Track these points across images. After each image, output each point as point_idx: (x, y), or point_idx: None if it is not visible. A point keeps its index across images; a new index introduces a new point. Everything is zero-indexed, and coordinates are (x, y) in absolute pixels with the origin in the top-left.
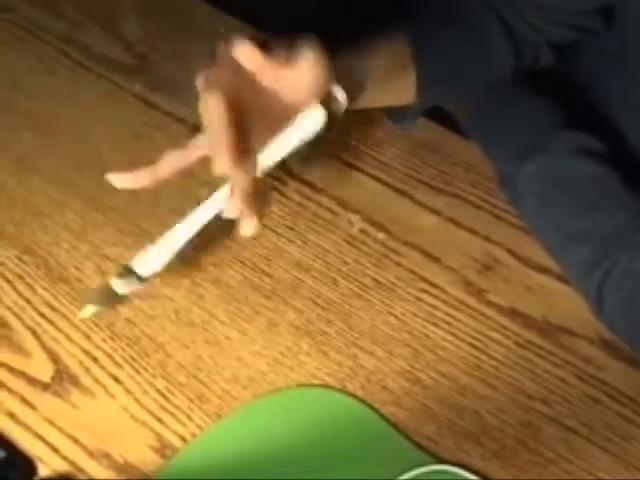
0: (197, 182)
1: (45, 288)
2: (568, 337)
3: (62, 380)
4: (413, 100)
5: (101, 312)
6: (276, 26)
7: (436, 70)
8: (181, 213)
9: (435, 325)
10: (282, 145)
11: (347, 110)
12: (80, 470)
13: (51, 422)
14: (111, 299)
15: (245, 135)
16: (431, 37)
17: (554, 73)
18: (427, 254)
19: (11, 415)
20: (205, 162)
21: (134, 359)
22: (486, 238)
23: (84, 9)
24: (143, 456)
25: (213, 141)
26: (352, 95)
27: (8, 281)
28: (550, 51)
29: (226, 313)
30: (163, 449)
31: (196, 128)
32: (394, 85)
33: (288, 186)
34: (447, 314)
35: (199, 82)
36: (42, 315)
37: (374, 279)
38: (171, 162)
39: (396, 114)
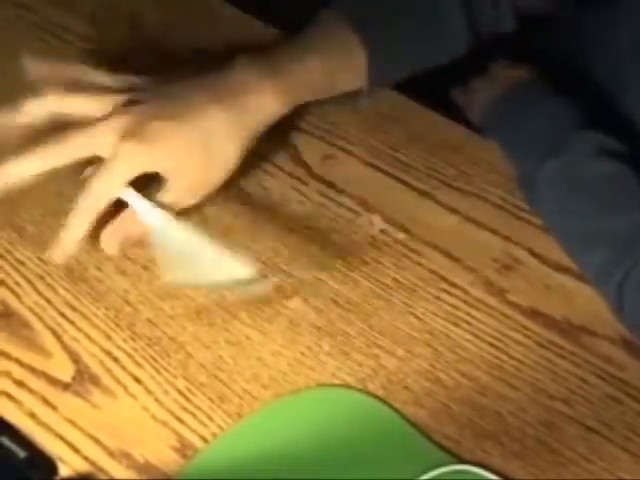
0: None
1: (66, 288)
2: (589, 337)
3: (83, 380)
4: (361, 84)
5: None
6: (293, 24)
7: (384, 49)
8: (200, 214)
9: (456, 325)
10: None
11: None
12: (101, 470)
13: (72, 422)
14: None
15: None
16: (374, 13)
17: (573, 72)
18: (448, 254)
19: (32, 415)
20: None
21: (155, 359)
22: (507, 238)
23: (104, 9)
24: (164, 456)
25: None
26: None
27: (29, 281)
28: (511, 15)
29: (247, 313)
30: (184, 449)
31: None
32: (339, 77)
33: (309, 186)
34: (468, 314)
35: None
36: (63, 315)
37: (395, 279)
38: None
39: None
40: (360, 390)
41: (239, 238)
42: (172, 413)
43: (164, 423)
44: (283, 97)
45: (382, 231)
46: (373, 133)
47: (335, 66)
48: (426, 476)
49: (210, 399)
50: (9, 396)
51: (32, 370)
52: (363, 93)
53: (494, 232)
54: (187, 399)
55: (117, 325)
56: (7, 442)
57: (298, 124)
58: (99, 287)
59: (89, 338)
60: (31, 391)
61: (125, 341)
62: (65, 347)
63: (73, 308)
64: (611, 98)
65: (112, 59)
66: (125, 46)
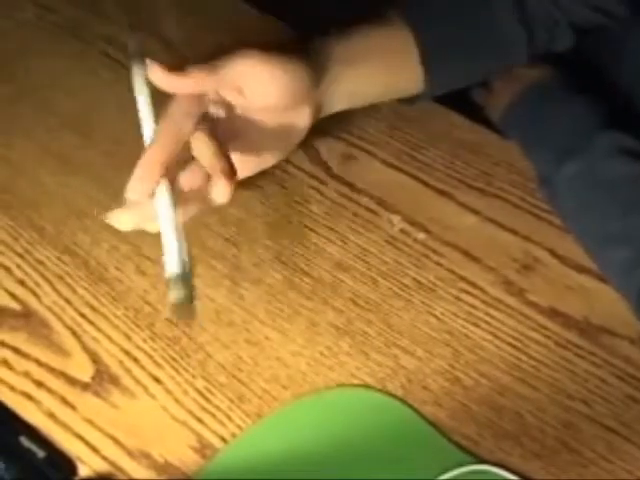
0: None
1: (85, 288)
2: (609, 337)
3: (102, 380)
4: (418, 89)
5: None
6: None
7: (440, 51)
8: (219, 214)
9: (475, 325)
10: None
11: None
12: (120, 470)
13: (91, 422)
14: (184, 309)
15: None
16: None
17: (595, 73)
18: (467, 254)
19: (51, 415)
20: None
21: (174, 359)
22: (526, 238)
23: (126, 9)
24: (183, 456)
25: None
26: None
27: (48, 281)
28: (570, 32)
29: (266, 313)
30: (203, 449)
31: None
32: (394, 78)
33: (328, 186)
34: (487, 314)
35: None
36: (82, 315)
37: (414, 279)
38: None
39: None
40: (379, 390)
41: (258, 238)
42: (191, 413)
43: (183, 423)
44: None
45: (402, 231)
46: (393, 133)
47: (394, 72)
48: (446, 476)
49: (229, 399)
50: (28, 396)
51: (51, 370)
52: (419, 100)
53: (514, 232)
54: (206, 399)
55: (137, 325)
56: (26, 442)
57: (318, 124)
58: (119, 287)
59: (109, 338)
60: (50, 391)
61: (145, 341)
62: (84, 347)
63: (93, 308)
64: (633, 97)
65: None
66: (144, 46)
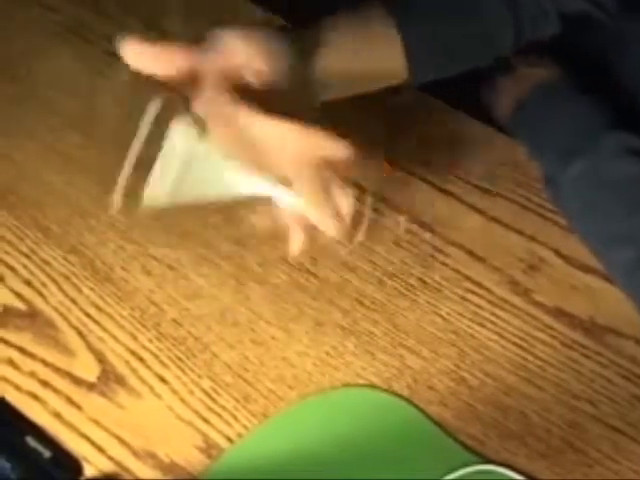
0: None
1: (91, 288)
2: (614, 337)
3: (108, 380)
4: (401, 77)
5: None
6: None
7: (421, 37)
8: (226, 213)
9: (481, 325)
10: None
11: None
12: (126, 470)
13: (97, 422)
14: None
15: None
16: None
17: (601, 73)
18: (473, 254)
19: (57, 415)
20: None
21: (180, 359)
22: (532, 238)
23: (128, 9)
24: (189, 456)
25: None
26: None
27: (54, 281)
28: (557, 21)
29: (272, 313)
30: (209, 449)
31: None
32: (376, 60)
33: None
34: (493, 314)
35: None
36: (88, 315)
37: (420, 279)
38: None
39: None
40: (385, 390)
41: (264, 237)
42: (197, 413)
43: (189, 423)
44: None
45: (407, 231)
46: (399, 133)
47: (375, 58)
48: (451, 476)
49: (235, 399)
50: (34, 396)
51: (57, 370)
52: (401, 90)
53: (520, 232)
54: (212, 399)
55: (142, 325)
56: (32, 442)
57: (322, 124)
58: (125, 287)
59: (114, 338)
60: (56, 391)
61: (150, 341)
62: (90, 347)
63: (98, 308)
64: (638, 98)
65: None
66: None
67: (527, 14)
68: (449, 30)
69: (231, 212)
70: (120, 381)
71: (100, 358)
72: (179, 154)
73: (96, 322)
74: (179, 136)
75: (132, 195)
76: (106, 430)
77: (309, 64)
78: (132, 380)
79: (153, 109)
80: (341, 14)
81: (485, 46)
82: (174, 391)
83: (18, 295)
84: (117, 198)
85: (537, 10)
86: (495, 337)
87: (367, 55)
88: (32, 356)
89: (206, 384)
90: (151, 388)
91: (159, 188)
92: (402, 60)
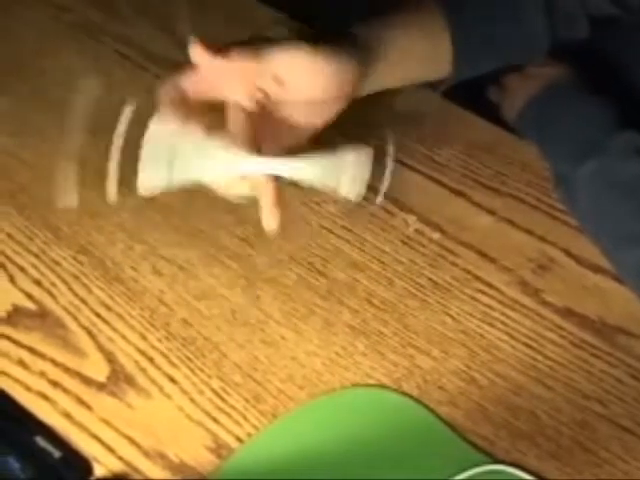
0: None
1: (101, 288)
2: (624, 337)
3: (118, 380)
4: (447, 72)
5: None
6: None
7: (470, 36)
8: (235, 214)
9: (491, 325)
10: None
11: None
12: (136, 470)
13: (107, 422)
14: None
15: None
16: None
17: (610, 71)
18: (483, 254)
19: (67, 415)
20: None
21: (190, 359)
22: (542, 238)
23: (140, 9)
24: (199, 456)
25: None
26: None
27: (64, 281)
28: (586, 24)
29: (282, 313)
30: (219, 449)
31: None
32: (427, 58)
33: None
34: (503, 314)
35: None
36: (98, 315)
37: (430, 279)
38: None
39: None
40: (395, 390)
41: (274, 237)
42: (207, 413)
43: (199, 423)
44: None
45: (417, 231)
46: (408, 133)
47: (422, 54)
48: (461, 476)
49: (245, 399)
50: (44, 396)
51: (67, 370)
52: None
53: (529, 232)
54: (222, 399)
55: (152, 325)
56: (42, 442)
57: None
58: (134, 287)
59: (124, 338)
60: (66, 391)
61: (160, 341)
62: (100, 347)
63: (108, 308)
64: None
65: (146, 59)
66: (158, 46)
67: (562, 19)
68: (495, 31)
69: (242, 212)
70: (130, 381)
71: (110, 358)
72: (162, 138)
73: (106, 322)
74: (159, 121)
75: (127, 184)
76: (116, 430)
77: (371, 72)
78: (142, 380)
79: (130, 108)
80: (394, 14)
81: (524, 47)
82: (184, 391)
83: (28, 295)
84: (111, 189)
85: (571, 15)
86: (505, 337)
87: (420, 54)
88: (42, 356)
89: (216, 384)
90: (161, 388)
91: (150, 173)
92: (449, 58)
